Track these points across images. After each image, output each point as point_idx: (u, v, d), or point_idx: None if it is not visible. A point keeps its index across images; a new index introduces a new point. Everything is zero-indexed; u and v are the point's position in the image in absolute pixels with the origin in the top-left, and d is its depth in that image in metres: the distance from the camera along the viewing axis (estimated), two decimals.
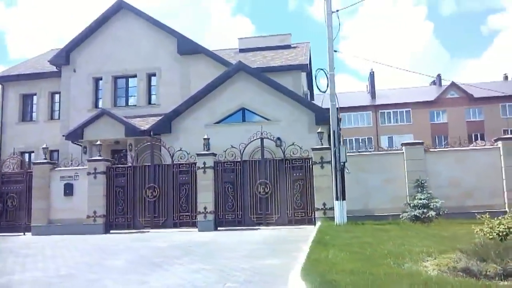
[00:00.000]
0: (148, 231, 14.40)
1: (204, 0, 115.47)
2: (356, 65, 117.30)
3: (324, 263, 6.37)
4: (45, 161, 15.28)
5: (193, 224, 14.28)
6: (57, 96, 25.82)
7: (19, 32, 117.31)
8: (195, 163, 14.57)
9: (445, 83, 54.12)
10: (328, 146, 14.00)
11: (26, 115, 26.09)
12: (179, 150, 14.75)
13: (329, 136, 19.57)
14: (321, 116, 19.06)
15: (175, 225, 14.41)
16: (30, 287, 6.38)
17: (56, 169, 15.23)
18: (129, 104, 23.69)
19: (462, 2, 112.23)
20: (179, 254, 9.06)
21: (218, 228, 14.11)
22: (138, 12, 23.62)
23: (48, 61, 24.24)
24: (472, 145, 13.70)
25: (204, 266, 7.50)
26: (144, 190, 14.63)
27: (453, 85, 49.77)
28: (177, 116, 19.93)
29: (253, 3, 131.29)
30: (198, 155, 14.57)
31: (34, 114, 25.95)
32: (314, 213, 13.68)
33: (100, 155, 15.09)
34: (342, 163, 12.15)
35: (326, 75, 12.74)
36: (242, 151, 14.51)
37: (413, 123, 48.80)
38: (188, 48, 22.86)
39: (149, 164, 14.90)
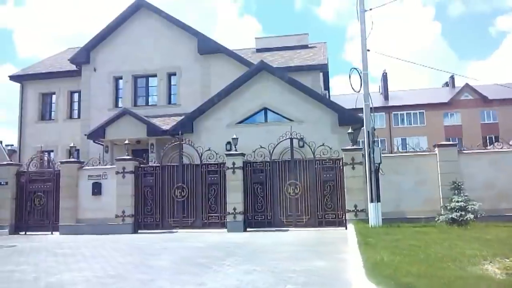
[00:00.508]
0: (177, 231, 14.31)
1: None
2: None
3: (385, 266, 6.23)
4: (73, 160, 15.26)
5: (222, 225, 14.18)
6: (76, 95, 25.92)
7: (27, 31, 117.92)
8: (224, 163, 14.48)
9: (458, 84, 53.89)
10: (358, 147, 13.88)
11: (45, 114, 26.20)
12: (207, 150, 14.67)
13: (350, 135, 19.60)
14: (344, 117, 18.97)
15: (203, 226, 14.32)
16: (85, 287, 6.30)
17: (84, 168, 15.18)
18: (149, 103, 23.67)
19: (471, 3, 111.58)
20: (221, 255, 8.96)
21: (247, 229, 14.00)
22: (158, 11, 23.62)
23: (68, 59, 24.28)
24: (506, 147, 13.47)
25: (253, 267, 7.40)
26: (173, 190, 14.56)
27: (467, 86, 49.43)
28: (199, 116, 19.88)
29: (259, 3, 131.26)
30: (227, 155, 14.49)
31: (53, 113, 26.03)
32: (345, 215, 13.54)
33: (128, 154, 15.03)
34: (376, 164, 12.01)
35: (360, 75, 12.60)
36: (271, 151, 14.40)
37: (427, 125, 48.48)
38: (208, 47, 22.82)
39: (178, 163, 14.82)
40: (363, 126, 19.82)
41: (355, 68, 12.74)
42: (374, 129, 12.54)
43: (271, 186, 14.20)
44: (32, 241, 12.94)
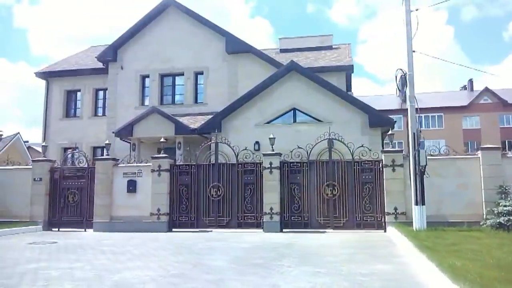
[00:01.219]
0: (211, 231, 14.20)
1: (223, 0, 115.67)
2: (374, 69, 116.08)
3: (463, 270, 6.05)
4: (108, 157, 15.20)
5: (258, 225, 14.04)
6: (101, 92, 25.96)
7: (41, 29, 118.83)
8: (260, 163, 14.34)
9: (476, 88, 53.35)
10: (399, 149, 13.69)
11: (69, 111, 26.25)
12: (244, 150, 14.55)
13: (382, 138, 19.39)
14: (374, 118, 18.81)
15: (239, 225, 14.19)
16: (155, 286, 6.17)
17: (119, 165, 15.11)
18: (176, 102, 23.61)
19: (484, 7, 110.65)
20: (274, 256, 8.82)
21: (283, 230, 13.86)
22: (186, 10, 23.57)
23: (96, 57, 24.31)
24: None
25: (315, 269, 7.24)
26: (208, 189, 14.45)
27: (487, 90, 49.01)
28: (227, 115, 19.80)
29: (271, 5, 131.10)
30: (264, 155, 14.35)
31: (77, 110, 26.07)
32: (384, 217, 13.36)
33: (163, 152, 14.95)
34: (422, 167, 11.80)
35: (405, 76, 12.41)
36: (309, 152, 14.24)
37: (445, 128, 48.09)
38: (236, 47, 22.72)
39: (213, 162, 14.72)
40: (393, 127, 19.74)
41: (400, 69, 12.55)
42: (420, 131, 12.33)
43: (308, 186, 14.04)
44: (70, 237, 12.88)
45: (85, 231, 14.84)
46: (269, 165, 14.08)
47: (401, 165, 13.29)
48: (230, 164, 14.59)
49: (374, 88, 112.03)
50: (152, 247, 10.49)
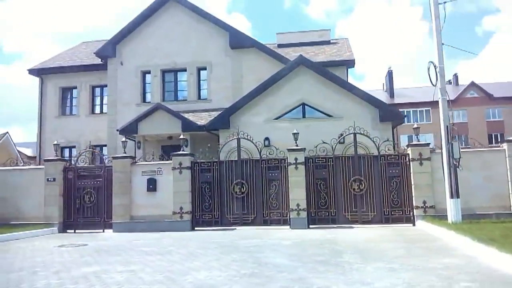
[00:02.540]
0: (235, 228, 13.92)
1: None
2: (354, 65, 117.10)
3: None
4: (126, 155, 14.71)
5: (284, 222, 13.84)
6: (97, 89, 25.27)
7: (12, 26, 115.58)
8: (284, 159, 14.12)
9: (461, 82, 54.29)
10: (427, 142, 13.68)
11: (65, 109, 25.45)
12: (267, 146, 14.30)
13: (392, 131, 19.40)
14: (385, 112, 18.79)
15: (264, 222, 13.96)
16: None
17: (137, 163, 14.65)
18: (178, 98, 23.13)
19: (458, 3, 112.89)
20: (329, 252, 8.62)
21: (310, 226, 13.68)
22: (186, 4, 23.06)
23: (94, 53, 23.61)
24: None
25: (388, 265, 7.06)
26: (232, 186, 14.15)
27: (473, 84, 49.87)
28: (236, 111, 19.45)
29: (248, 1, 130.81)
30: (288, 150, 14.12)
31: (74, 108, 25.31)
32: (413, 211, 13.33)
33: (183, 150, 14.56)
34: (456, 160, 11.78)
35: (435, 69, 12.35)
36: (334, 147, 14.09)
37: (433, 122, 48.62)
38: (240, 42, 22.38)
39: (236, 159, 14.43)
40: (403, 122, 19.70)
41: (431, 62, 12.48)
42: (453, 124, 12.29)
43: (335, 182, 13.90)
44: (95, 239, 12.40)
45: (103, 232, 14.35)
46: (294, 161, 13.87)
47: (428, 159, 13.27)
48: (253, 160, 14.32)
49: (354, 83, 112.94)
50: (193, 246, 10.15)
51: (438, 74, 12.27)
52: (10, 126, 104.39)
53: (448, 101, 12.35)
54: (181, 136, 14.83)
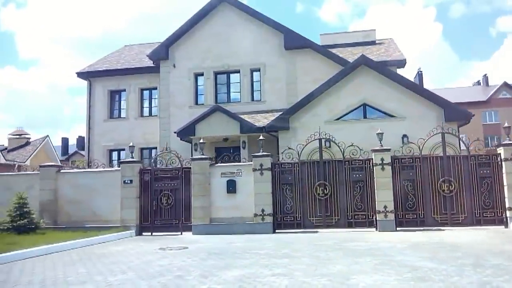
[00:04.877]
0: (317, 231, 13.57)
1: None
2: None
3: None
4: (204, 156, 14.45)
5: (370, 224, 13.48)
6: (146, 92, 25.15)
7: (29, 32, 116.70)
8: (369, 160, 13.78)
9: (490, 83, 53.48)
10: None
11: (113, 112, 25.34)
12: (350, 146, 13.98)
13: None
14: (451, 112, 18.42)
15: (349, 225, 13.60)
16: None
17: (216, 165, 14.39)
18: (231, 100, 22.90)
19: (472, 4, 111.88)
20: (465, 255, 8.24)
21: (397, 229, 13.30)
22: (239, 6, 22.87)
23: (147, 55, 23.49)
24: None
25: None
26: (314, 188, 13.83)
27: (505, 85, 49.15)
28: (295, 112, 19.21)
29: (260, 4, 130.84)
30: (373, 151, 13.77)
31: (122, 111, 25.20)
32: (505, 212, 12.91)
33: (262, 151, 14.27)
34: None
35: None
36: (421, 147, 13.71)
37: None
38: (295, 42, 22.11)
39: (318, 160, 14.10)
40: (469, 122, 19.24)
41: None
42: None
43: (422, 183, 13.51)
44: (184, 242, 12.05)
45: (181, 234, 14.10)
46: (380, 161, 13.52)
47: None
48: (336, 161, 14.00)
49: None
50: (305, 249, 9.80)
51: None
52: (28, 130, 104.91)
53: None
54: (261, 137, 14.48)
